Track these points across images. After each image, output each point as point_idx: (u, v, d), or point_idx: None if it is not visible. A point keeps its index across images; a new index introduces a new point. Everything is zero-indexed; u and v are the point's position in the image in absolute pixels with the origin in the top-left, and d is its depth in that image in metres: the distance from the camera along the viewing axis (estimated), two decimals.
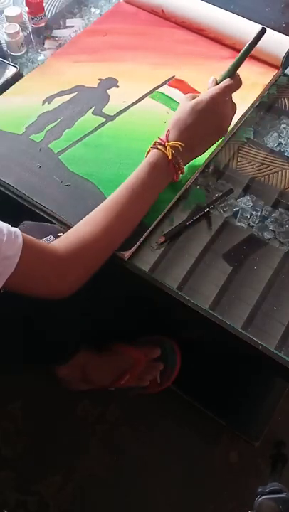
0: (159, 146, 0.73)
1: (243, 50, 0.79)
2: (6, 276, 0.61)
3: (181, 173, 0.76)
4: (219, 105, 0.76)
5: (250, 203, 0.80)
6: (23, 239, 0.62)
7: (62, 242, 0.68)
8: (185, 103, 0.77)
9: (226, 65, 0.96)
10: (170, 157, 0.72)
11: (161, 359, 1.14)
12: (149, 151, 0.75)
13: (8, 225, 0.63)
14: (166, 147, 0.72)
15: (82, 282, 0.69)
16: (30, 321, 0.81)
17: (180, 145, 0.73)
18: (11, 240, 0.61)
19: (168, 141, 0.73)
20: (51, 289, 0.68)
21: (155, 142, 0.74)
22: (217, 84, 0.79)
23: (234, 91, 0.78)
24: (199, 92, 0.91)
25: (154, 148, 0.74)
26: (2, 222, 0.63)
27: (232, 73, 0.79)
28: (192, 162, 0.81)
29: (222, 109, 0.77)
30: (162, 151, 0.73)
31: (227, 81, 0.78)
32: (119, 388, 1.15)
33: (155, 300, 0.79)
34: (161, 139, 0.74)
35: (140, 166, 0.73)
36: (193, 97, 0.78)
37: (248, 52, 0.79)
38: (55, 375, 1.09)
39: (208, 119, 0.76)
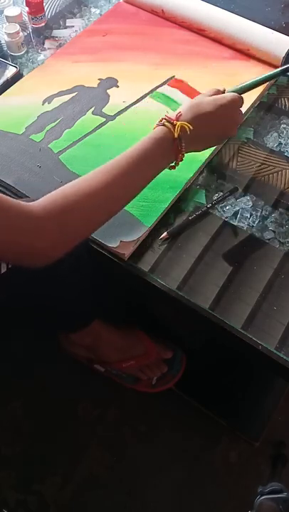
0: (166, 123, 0.69)
1: (265, 75, 0.79)
2: None
3: (180, 160, 0.71)
4: (236, 109, 0.76)
5: (250, 203, 0.80)
6: None
7: (42, 201, 0.61)
8: (204, 95, 0.75)
9: (226, 65, 0.96)
10: (176, 135, 0.68)
11: (167, 363, 1.14)
12: (155, 128, 0.71)
13: None
14: (173, 125, 0.68)
15: (61, 247, 0.62)
16: (42, 290, 0.80)
17: (188, 127, 0.69)
18: None
19: (177, 121, 0.69)
20: (24, 257, 0.62)
21: (162, 119, 0.70)
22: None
23: (241, 106, 0.77)
24: (200, 92, 0.92)
25: (160, 124, 0.69)
26: None
27: (243, 91, 0.78)
28: (192, 161, 0.81)
29: (237, 112, 0.76)
30: (169, 128, 0.68)
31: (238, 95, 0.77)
32: (112, 371, 1.15)
33: (155, 300, 0.79)
34: (168, 117, 0.70)
35: (143, 138, 0.69)
36: (215, 90, 0.77)
37: (268, 79, 0.80)
38: (61, 338, 1.11)
39: (224, 116, 0.74)
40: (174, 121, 0.69)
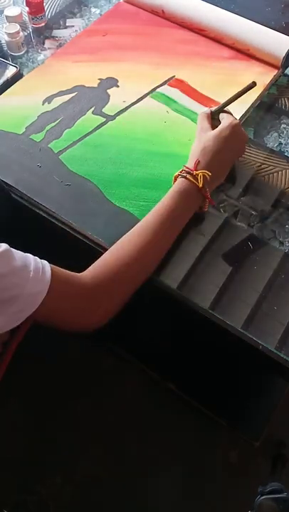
0: (188, 176, 0.73)
1: (233, 95, 0.80)
2: (28, 313, 0.59)
3: (210, 203, 0.76)
4: (238, 131, 0.79)
5: (250, 203, 0.80)
6: (52, 273, 0.61)
7: (90, 273, 0.66)
8: (207, 132, 0.78)
9: (226, 65, 0.97)
10: (200, 186, 0.72)
11: None
12: (176, 177, 0.74)
13: (36, 258, 0.62)
14: (194, 176, 0.72)
15: (112, 313, 0.67)
16: None
17: (208, 174, 0.73)
18: (38, 277, 0.60)
19: (196, 170, 0.73)
20: (79, 323, 0.67)
21: (182, 170, 0.74)
22: (212, 115, 0.82)
23: (239, 124, 0.81)
24: (200, 92, 0.92)
25: (182, 176, 0.73)
26: (30, 255, 0.61)
27: (225, 106, 0.82)
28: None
29: (240, 135, 0.79)
30: (191, 180, 0.72)
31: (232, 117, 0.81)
32: None
33: (155, 300, 0.79)
34: (188, 168, 0.73)
35: (168, 194, 0.72)
36: (208, 116, 0.81)
37: (237, 97, 0.80)
38: None
39: (232, 145, 0.78)
40: (194, 172, 0.73)
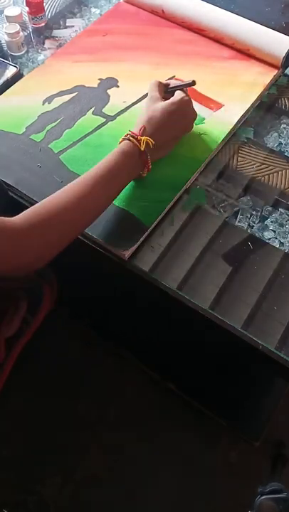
0: (131, 138, 0.75)
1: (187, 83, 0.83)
2: None
3: (148, 171, 0.78)
4: (187, 108, 0.81)
5: (250, 203, 0.80)
6: None
7: (24, 215, 0.66)
8: (157, 102, 0.80)
9: (227, 64, 0.97)
10: (142, 149, 0.74)
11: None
12: (121, 141, 0.76)
13: None
14: (138, 140, 0.74)
15: (46, 257, 0.67)
16: None
17: (151, 142, 0.75)
18: None
19: (141, 136, 0.75)
20: (10, 264, 0.65)
21: (127, 134, 0.76)
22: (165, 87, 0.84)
23: (190, 101, 0.83)
24: (200, 92, 0.92)
25: (126, 139, 0.75)
26: None
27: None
28: (192, 161, 0.81)
29: (189, 111, 0.82)
30: (134, 143, 0.74)
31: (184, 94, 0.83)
32: None
33: (155, 300, 0.79)
34: (133, 132, 0.76)
35: (111, 153, 0.74)
36: (160, 85, 0.83)
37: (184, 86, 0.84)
38: None
39: (179, 120, 0.81)
40: (139, 137, 0.75)
